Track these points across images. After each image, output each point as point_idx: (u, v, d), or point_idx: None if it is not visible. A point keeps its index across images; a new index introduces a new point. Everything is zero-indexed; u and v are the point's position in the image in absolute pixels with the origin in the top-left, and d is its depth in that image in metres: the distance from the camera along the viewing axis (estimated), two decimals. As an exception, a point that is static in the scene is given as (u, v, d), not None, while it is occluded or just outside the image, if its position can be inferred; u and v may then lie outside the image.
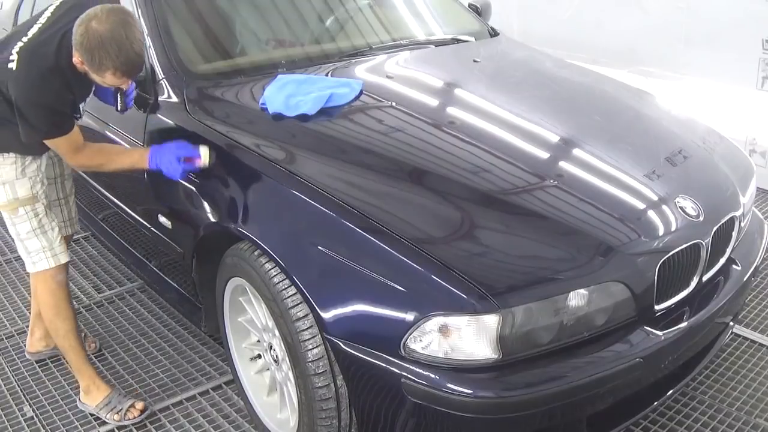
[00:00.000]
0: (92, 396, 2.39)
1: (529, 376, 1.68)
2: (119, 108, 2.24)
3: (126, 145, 2.46)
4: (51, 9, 2.18)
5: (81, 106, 2.21)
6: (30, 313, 2.74)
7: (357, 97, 2.32)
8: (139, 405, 2.40)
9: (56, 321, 2.34)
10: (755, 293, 2.96)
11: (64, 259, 2.33)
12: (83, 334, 2.69)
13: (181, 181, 2.21)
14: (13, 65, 2.02)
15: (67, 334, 2.36)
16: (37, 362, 2.67)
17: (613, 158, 2.15)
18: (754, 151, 3.96)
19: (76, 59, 1.98)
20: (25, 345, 2.76)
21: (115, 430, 2.34)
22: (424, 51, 2.87)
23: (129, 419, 2.36)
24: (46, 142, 2.14)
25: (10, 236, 2.37)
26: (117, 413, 2.36)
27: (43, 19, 2.14)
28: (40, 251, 2.28)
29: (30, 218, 2.25)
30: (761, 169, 3.76)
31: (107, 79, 1.99)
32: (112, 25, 1.91)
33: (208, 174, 2.18)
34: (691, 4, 4.07)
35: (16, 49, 2.04)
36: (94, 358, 2.65)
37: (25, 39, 2.07)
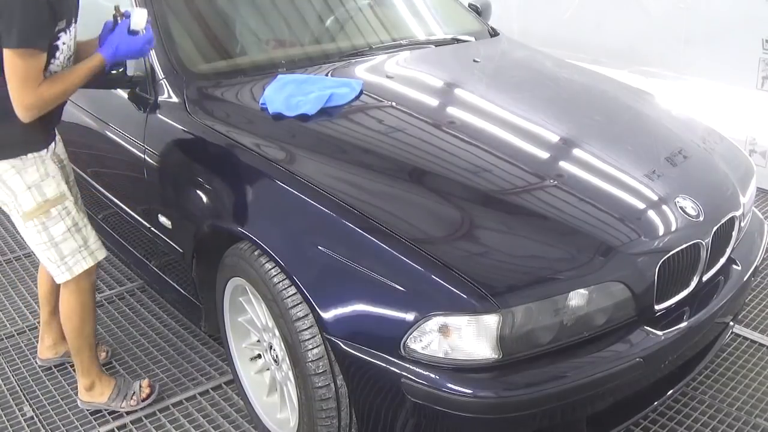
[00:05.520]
0: (98, 391, 2.39)
1: (529, 376, 1.68)
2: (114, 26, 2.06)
3: (127, 146, 2.45)
4: None
5: (65, 35, 2.01)
6: (36, 319, 2.73)
7: (357, 97, 2.32)
8: (144, 383, 2.44)
9: (83, 325, 2.30)
10: (755, 293, 2.96)
11: (101, 255, 2.25)
12: (96, 343, 2.69)
13: (181, 181, 2.21)
14: None
15: (90, 334, 2.34)
16: (40, 366, 2.67)
17: (613, 158, 2.15)
18: (754, 151, 3.96)
19: None
20: (25, 345, 2.77)
21: (115, 430, 2.34)
22: (424, 51, 2.87)
23: (144, 400, 2.40)
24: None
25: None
26: (132, 398, 2.39)
27: None
28: (76, 252, 2.19)
29: (63, 217, 2.15)
30: (761, 169, 3.76)
31: None
32: None
33: (209, 174, 2.19)
34: (691, 4, 4.07)
35: None
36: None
37: None
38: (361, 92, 2.34)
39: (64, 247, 2.17)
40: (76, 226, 2.19)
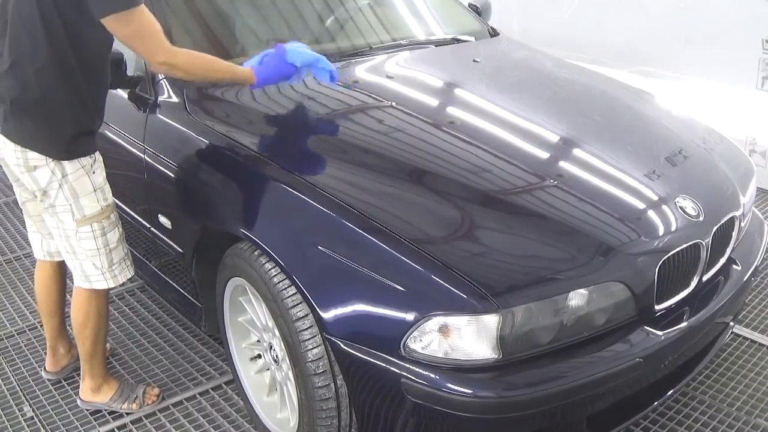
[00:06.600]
0: (102, 393, 2.39)
1: (529, 376, 1.68)
2: None
3: (127, 146, 2.45)
4: None
5: None
6: (36, 320, 2.71)
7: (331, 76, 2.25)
8: (155, 390, 2.44)
9: (98, 331, 2.29)
10: (755, 293, 2.96)
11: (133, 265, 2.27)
12: None
13: (181, 181, 2.22)
14: None
15: (103, 339, 2.34)
16: (40, 365, 2.67)
17: (613, 158, 2.15)
18: (754, 151, 3.96)
19: None
20: (25, 345, 2.76)
21: (115, 430, 2.34)
22: (424, 51, 2.87)
23: (148, 404, 2.39)
24: (119, 33, 1.88)
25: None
26: (134, 402, 2.38)
27: None
28: (122, 261, 2.18)
29: (117, 225, 2.13)
30: (761, 169, 3.77)
31: None
32: None
33: (209, 174, 2.18)
34: (691, 4, 4.07)
35: None
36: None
37: None
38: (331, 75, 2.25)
39: (115, 255, 2.15)
40: (122, 235, 2.19)
